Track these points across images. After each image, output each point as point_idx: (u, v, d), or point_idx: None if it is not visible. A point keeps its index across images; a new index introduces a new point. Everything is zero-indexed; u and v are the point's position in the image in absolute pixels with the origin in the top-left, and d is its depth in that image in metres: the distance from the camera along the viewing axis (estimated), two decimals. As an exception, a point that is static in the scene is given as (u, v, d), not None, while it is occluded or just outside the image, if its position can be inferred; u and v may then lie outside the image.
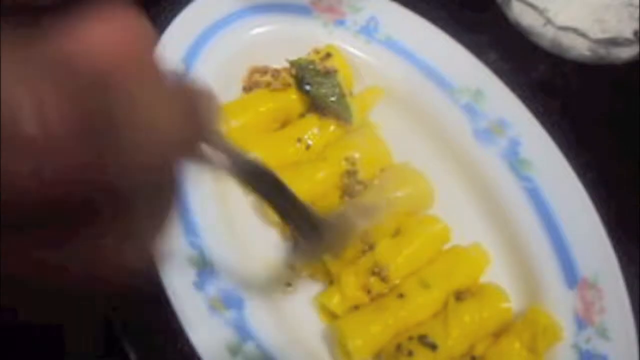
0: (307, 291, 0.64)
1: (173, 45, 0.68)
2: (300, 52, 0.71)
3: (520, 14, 0.73)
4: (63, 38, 0.23)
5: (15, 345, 0.61)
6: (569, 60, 0.75)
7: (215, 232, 0.62)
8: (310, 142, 0.67)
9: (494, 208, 0.68)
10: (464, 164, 0.69)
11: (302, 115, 0.70)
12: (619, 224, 0.66)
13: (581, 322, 0.61)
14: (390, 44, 0.72)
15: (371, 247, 0.64)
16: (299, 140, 0.67)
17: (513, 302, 0.63)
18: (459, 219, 0.67)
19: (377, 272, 0.62)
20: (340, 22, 0.73)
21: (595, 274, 0.63)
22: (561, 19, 0.74)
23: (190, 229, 0.61)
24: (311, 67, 0.68)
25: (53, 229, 0.23)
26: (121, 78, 0.24)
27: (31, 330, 0.62)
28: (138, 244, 0.27)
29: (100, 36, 0.24)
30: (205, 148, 0.31)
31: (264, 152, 0.66)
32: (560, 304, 0.62)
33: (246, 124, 0.67)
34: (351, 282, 0.61)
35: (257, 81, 0.70)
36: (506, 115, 0.69)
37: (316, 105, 0.69)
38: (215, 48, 0.70)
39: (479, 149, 0.69)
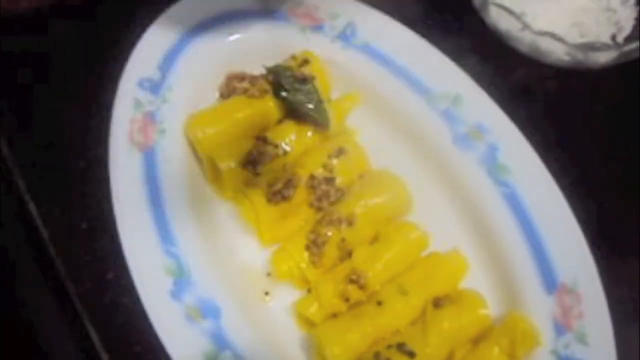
0: (285, 299, 0.64)
1: (150, 52, 0.68)
2: (278, 58, 0.71)
3: (498, 18, 0.73)
4: None
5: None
6: (548, 64, 0.75)
7: (192, 241, 0.62)
8: (287, 148, 0.67)
9: (473, 214, 0.67)
10: (442, 170, 0.69)
11: (279, 122, 0.69)
12: (598, 228, 0.66)
13: (560, 328, 0.61)
14: (368, 50, 0.72)
15: (349, 254, 0.63)
16: (276, 146, 0.67)
17: (492, 308, 0.63)
18: (438, 225, 0.67)
19: (355, 280, 0.61)
20: (318, 28, 0.72)
21: (573, 279, 0.63)
22: (539, 23, 0.74)
23: (166, 238, 0.61)
24: (288, 73, 0.68)
25: None
26: None
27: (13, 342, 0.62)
28: None
29: None
30: None
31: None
32: (538, 309, 0.62)
33: (223, 131, 0.67)
34: (329, 290, 0.61)
35: (234, 88, 0.70)
36: (484, 121, 0.69)
37: (293, 112, 0.69)
38: (193, 55, 0.69)
39: (458, 155, 0.68)
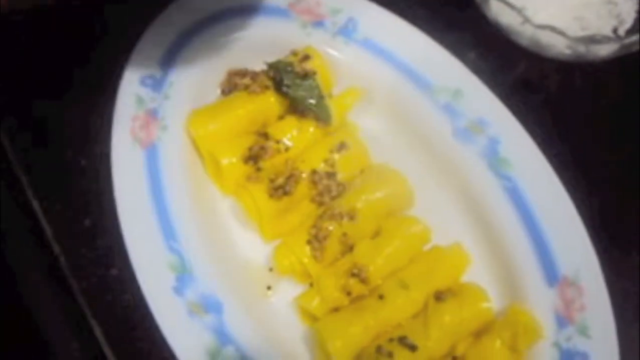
0: (287, 294, 0.64)
1: (151, 48, 0.68)
2: (279, 54, 0.71)
3: (499, 12, 0.73)
4: None
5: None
6: (549, 58, 0.75)
7: (194, 237, 0.62)
8: (289, 144, 0.67)
9: (474, 207, 0.68)
10: (443, 164, 0.69)
11: (281, 118, 0.70)
12: (599, 221, 0.66)
13: (562, 320, 0.61)
14: (369, 45, 0.72)
15: (351, 249, 0.64)
16: (278, 142, 0.67)
17: (494, 301, 0.63)
18: (439, 219, 0.67)
19: (357, 274, 0.62)
20: (319, 24, 0.73)
21: (575, 271, 0.63)
22: (540, 17, 0.74)
23: (169, 234, 0.61)
24: (289, 69, 0.68)
25: None
26: None
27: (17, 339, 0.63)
28: None
29: None
30: None
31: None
32: (540, 302, 0.62)
33: (225, 127, 0.67)
34: (330, 284, 0.62)
35: (236, 84, 0.70)
36: (485, 115, 0.69)
37: (295, 107, 0.69)
38: (194, 51, 0.70)
39: (459, 149, 0.68)
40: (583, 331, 0.61)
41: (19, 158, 0.67)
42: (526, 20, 0.70)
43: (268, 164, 0.66)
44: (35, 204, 0.65)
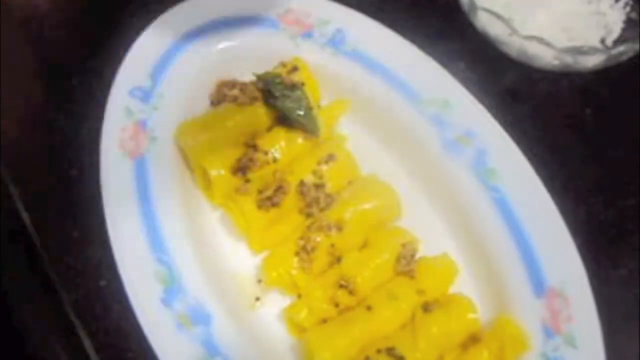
0: (276, 305, 0.64)
1: (140, 61, 0.69)
2: (268, 65, 0.72)
3: (487, 24, 0.73)
4: None
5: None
6: (537, 68, 0.75)
7: (183, 248, 0.62)
8: (277, 155, 0.67)
9: (462, 218, 0.68)
10: (431, 175, 0.69)
11: (269, 129, 0.70)
12: (586, 232, 0.66)
13: (549, 331, 0.62)
14: (357, 56, 0.72)
15: (339, 260, 0.64)
16: (266, 153, 0.67)
17: (481, 312, 0.63)
18: (427, 230, 0.67)
19: (345, 285, 0.62)
20: (308, 35, 0.73)
21: (562, 282, 0.63)
22: (528, 28, 0.75)
23: (157, 246, 0.61)
24: (278, 80, 0.68)
25: None
26: None
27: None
28: None
29: None
30: None
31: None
32: (528, 313, 0.62)
33: (214, 138, 0.67)
34: (319, 296, 0.62)
35: (225, 95, 0.70)
36: (473, 126, 0.69)
37: (283, 119, 0.69)
38: (183, 62, 0.70)
39: (447, 160, 0.69)
40: (570, 342, 0.61)
41: (9, 169, 0.67)
42: (514, 31, 0.71)
43: (256, 175, 0.66)
44: (25, 215, 0.65)
